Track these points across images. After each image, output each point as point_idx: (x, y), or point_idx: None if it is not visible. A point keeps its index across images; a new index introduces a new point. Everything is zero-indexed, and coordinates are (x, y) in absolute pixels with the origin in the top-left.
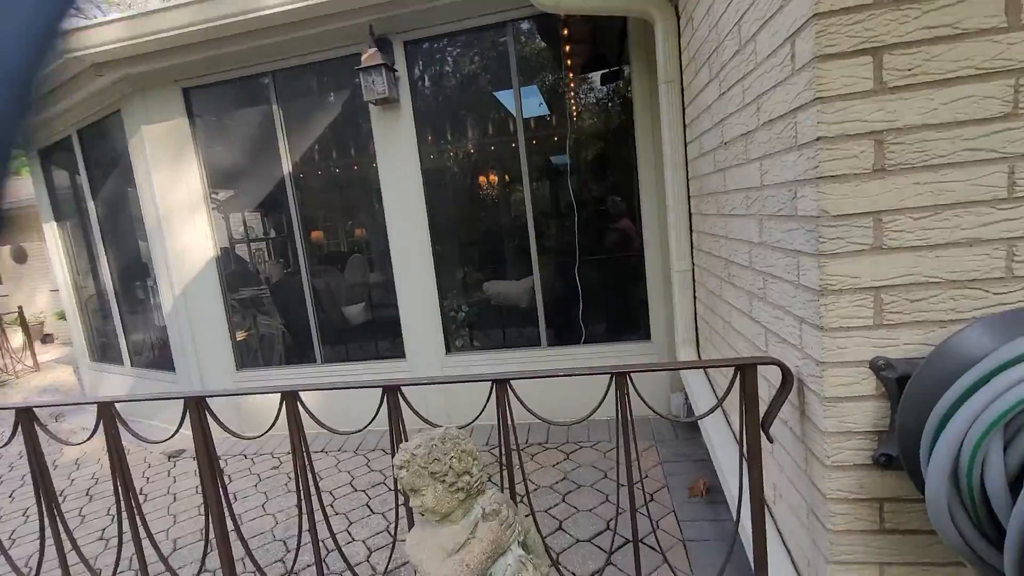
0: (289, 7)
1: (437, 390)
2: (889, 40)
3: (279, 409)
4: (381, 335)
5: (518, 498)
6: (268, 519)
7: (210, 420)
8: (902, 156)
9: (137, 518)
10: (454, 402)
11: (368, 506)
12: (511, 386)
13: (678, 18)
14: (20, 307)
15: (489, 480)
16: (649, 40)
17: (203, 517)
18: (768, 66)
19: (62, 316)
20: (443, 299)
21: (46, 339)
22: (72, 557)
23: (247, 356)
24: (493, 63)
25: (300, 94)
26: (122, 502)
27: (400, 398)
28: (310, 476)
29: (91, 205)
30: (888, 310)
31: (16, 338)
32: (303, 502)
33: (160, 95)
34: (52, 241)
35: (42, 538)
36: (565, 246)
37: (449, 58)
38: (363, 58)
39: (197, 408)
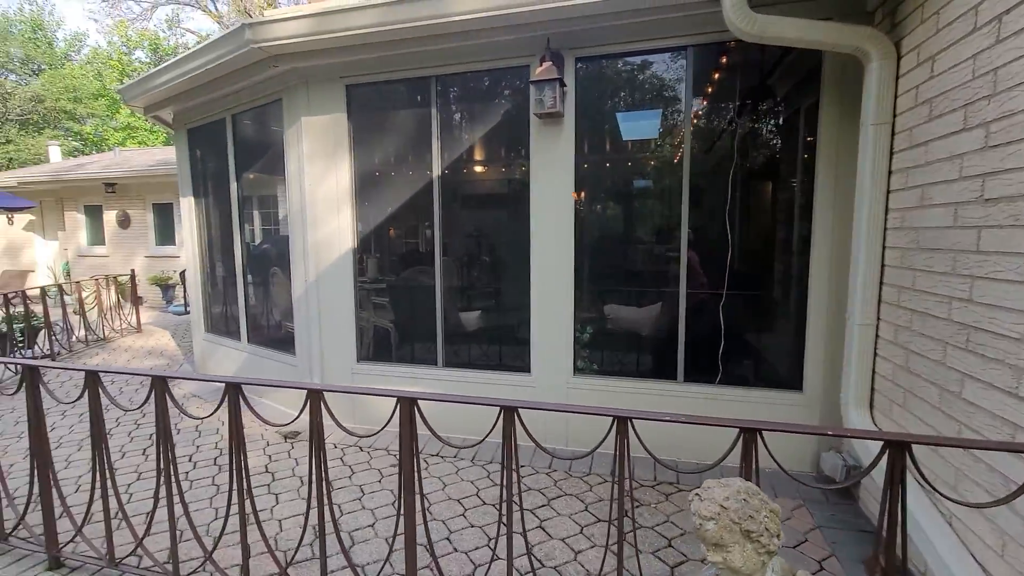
0: (474, 16)
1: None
2: None
3: (393, 411)
4: (505, 345)
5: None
6: (367, 514)
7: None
8: None
9: (246, 500)
10: (574, 427)
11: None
12: (632, 424)
13: (899, 57)
14: (133, 270)
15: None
16: (847, 77)
17: (314, 506)
18: None
19: (156, 281)
20: (578, 319)
21: (137, 302)
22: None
23: (369, 348)
24: (663, 86)
25: (460, 99)
26: (234, 481)
27: (517, 419)
28: (416, 480)
29: (234, 186)
30: None
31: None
32: (402, 503)
33: (323, 89)
34: (187, 214)
35: (169, 501)
36: (714, 279)
37: (618, 77)
38: (537, 71)
39: (316, 400)
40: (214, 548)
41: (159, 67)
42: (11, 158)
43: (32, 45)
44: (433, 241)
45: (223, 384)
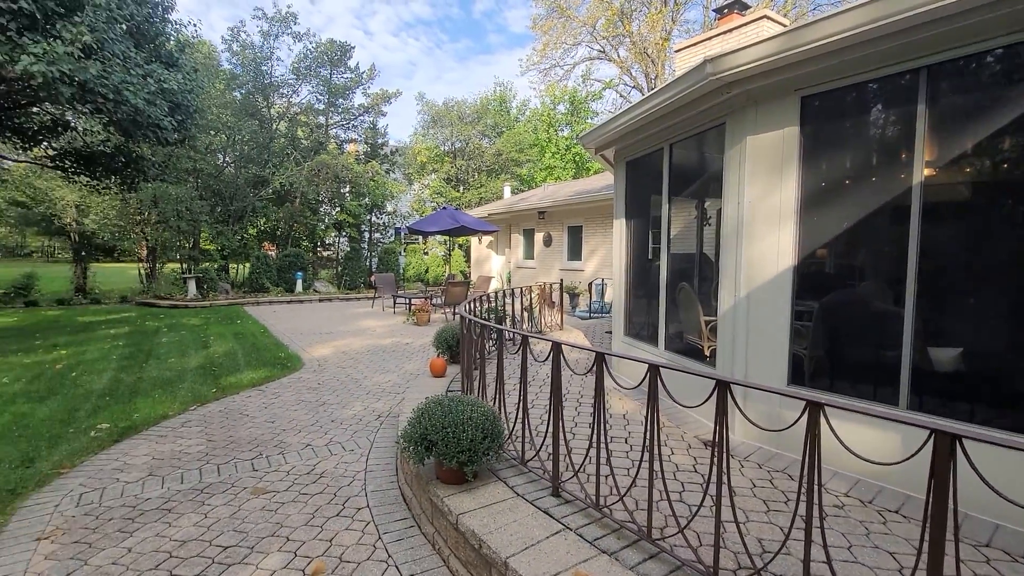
0: None
1: None
2: None
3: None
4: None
5: None
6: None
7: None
8: None
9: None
10: None
11: None
12: None
13: None
14: (561, 280)
15: None
16: None
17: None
18: None
19: (567, 290)
20: None
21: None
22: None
23: (802, 372)
24: None
25: (960, 90)
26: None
27: None
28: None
29: (665, 208)
30: None
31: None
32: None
33: (773, 105)
34: (618, 233)
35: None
36: None
37: None
38: None
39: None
40: (688, 523)
41: (612, 115)
42: (481, 196)
43: (498, 115)
44: (906, 258)
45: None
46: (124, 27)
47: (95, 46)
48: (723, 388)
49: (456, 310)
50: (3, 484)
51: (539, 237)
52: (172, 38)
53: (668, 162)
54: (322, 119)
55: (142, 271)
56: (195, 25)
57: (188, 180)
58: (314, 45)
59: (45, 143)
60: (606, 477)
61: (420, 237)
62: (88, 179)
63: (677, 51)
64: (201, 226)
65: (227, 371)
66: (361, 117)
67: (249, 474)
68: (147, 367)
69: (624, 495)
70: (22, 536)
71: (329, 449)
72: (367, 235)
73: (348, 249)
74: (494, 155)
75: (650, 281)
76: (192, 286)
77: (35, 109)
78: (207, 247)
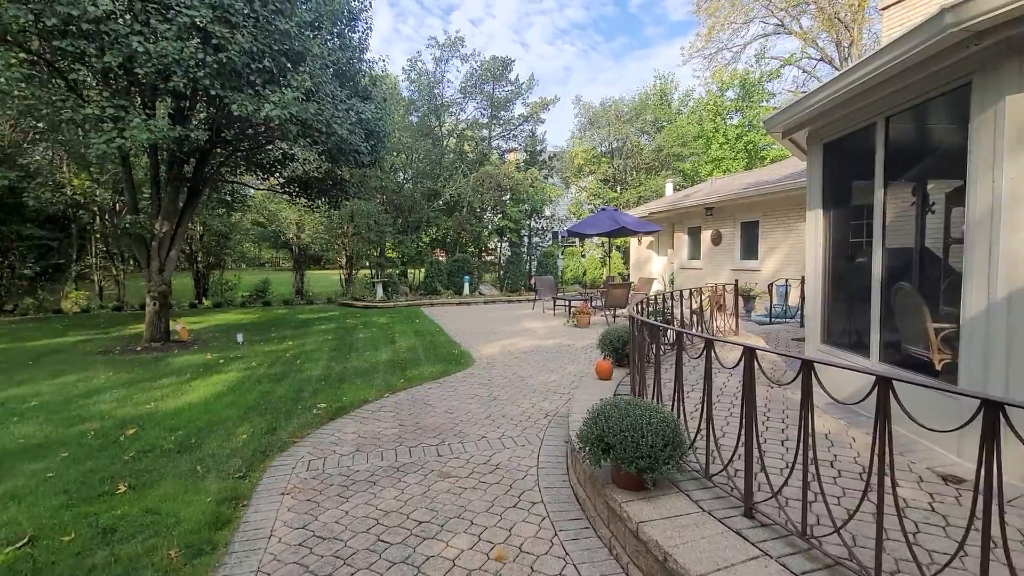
0: None
1: None
2: None
3: None
4: None
5: None
6: None
7: None
8: None
9: None
10: None
11: None
12: None
13: None
14: (736, 281)
15: None
16: None
17: None
18: None
19: (740, 292)
20: None
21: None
22: None
23: None
24: None
25: None
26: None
27: None
28: None
29: (879, 195)
30: None
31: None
32: None
33: None
34: (812, 226)
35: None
36: None
37: None
38: None
39: None
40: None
41: (806, 94)
42: (640, 195)
43: (659, 110)
44: None
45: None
46: (332, 70)
47: (313, 89)
48: (993, 410)
49: (617, 312)
50: (257, 447)
51: (706, 235)
52: (366, 75)
53: (884, 139)
54: (485, 132)
55: (341, 277)
56: (383, 61)
57: (376, 197)
58: (478, 63)
59: (277, 173)
60: (811, 503)
61: (577, 240)
62: (306, 200)
63: (883, 9)
64: (386, 236)
65: (411, 364)
66: (521, 126)
67: (435, 458)
68: (349, 358)
69: (841, 527)
70: (273, 490)
71: (502, 443)
72: (526, 239)
73: (509, 253)
74: (653, 152)
75: (856, 281)
76: (379, 289)
77: (269, 147)
78: (390, 255)
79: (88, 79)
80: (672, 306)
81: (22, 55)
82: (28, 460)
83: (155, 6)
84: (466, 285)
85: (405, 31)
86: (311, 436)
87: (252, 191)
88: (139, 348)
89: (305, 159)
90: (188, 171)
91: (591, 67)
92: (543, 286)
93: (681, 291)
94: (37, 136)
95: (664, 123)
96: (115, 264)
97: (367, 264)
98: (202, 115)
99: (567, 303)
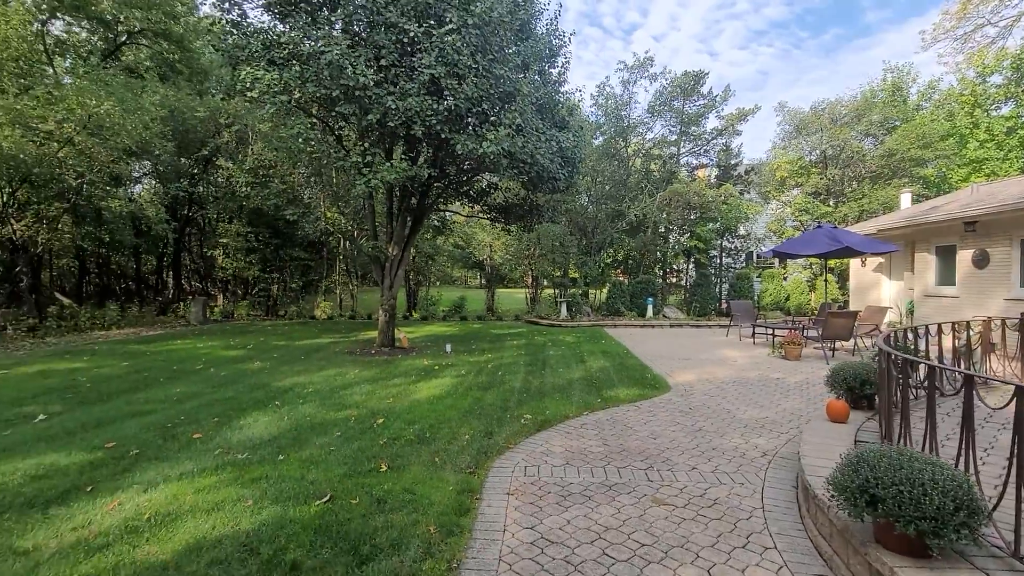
0: None
1: None
2: None
3: None
4: None
5: None
6: None
7: None
8: None
9: None
10: None
11: None
12: None
13: None
14: (1022, 315)
15: None
16: None
17: None
18: None
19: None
20: None
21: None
22: None
23: None
24: None
25: None
26: None
27: None
28: None
29: None
30: None
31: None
32: None
33: None
34: None
35: None
36: None
37: None
38: None
39: None
40: None
41: None
42: (862, 209)
43: (890, 107)
44: None
45: None
46: (535, 106)
47: (521, 124)
48: None
49: (842, 345)
50: (480, 448)
51: (965, 256)
52: (563, 106)
53: None
54: (673, 149)
55: (527, 295)
56: (579, 91)
57: (562, 219)
58: (668, 81)
59: (482, 202)
60: None
61: (777, 261)
62: (502, 224)
63: None
64: (569, 257)
65: (604, 385)
66: (713, 140)
67: (645, 483)
68: (544, 374)
69: None
70: (499, 489)
71: (717, 477)
72: (717, 260)
73: (696, 275)
74: (882, 157)
75: None
76: (564, 308)
77: (477, 178)
78: (572, 275)
79: (351, 134)
80: (916, 341)
81: (308, 120)
82: (316, 435)
83: (402, 69)
84: (649, 307)
85: (586, 56)
86: (522, 444)
87: (455, 217)
88: (373, 351)
89: (506, 187)
90: (414, 203)
91: (793, 68)
92: (740, 311)
93: (926, 325)
94: (310, 180)
95: (897, 123)
96: (352, 281)
97: (550, 284)
98: (427, 155)
99: (770, 331)
